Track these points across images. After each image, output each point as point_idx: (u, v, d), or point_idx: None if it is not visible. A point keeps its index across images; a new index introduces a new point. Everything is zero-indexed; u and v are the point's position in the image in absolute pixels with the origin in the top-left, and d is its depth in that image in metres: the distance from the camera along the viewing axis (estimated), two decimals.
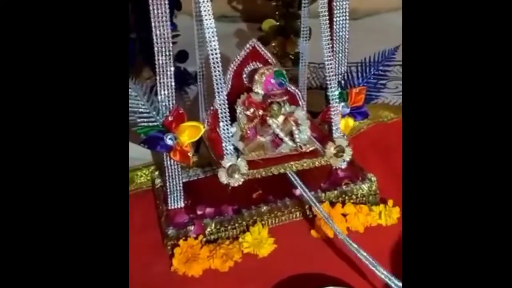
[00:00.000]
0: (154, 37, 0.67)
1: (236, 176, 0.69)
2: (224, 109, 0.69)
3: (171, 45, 0.68)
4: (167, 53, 0.68)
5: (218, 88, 0.68)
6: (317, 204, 0.75)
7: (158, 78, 0.69)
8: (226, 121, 0.69)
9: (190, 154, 0.72)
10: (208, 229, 0.75)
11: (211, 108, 0.78)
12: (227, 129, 0.69)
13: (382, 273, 0.64)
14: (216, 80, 0.67)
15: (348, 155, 0.76)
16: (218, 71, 0.67)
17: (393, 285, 0.63)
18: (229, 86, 0.77)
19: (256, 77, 0.75)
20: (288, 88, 0.78)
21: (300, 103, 0.81)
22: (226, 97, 0.68)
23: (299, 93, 0.81)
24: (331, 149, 0.75)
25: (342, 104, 0.80)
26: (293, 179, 0.77)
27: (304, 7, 0.83)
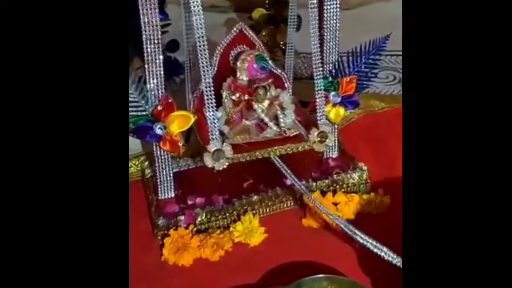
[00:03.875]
0: (142, 25, 0.66)
1: (221, 160, 0.70)
2: (210, 93, 0.69)
3: (159, 33, 0.67)
4: (156, 41, 0.67)
5: (204, 72, 0.68)
6: (308, 193, 0.74)
7: (147, 66, 0.68)
8: (212, 105, 0.69)
9: (180, 144, 0.71)
10: (199, 219, 0.75)
11: (197, 90, 0.78)
12: (213, 113, 0.70)
13: (386, 253, 0.62)
14: (202, 63, 0.68)
15: (331, 140, 0.77)
16: (205, 54, 0.68)
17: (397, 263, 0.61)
18: (215, 68, 0.78)
19: (239, 64, 0.75)
20: (274, 71, 0.79)
21: (286, 85, 0.82)
22: (212, 80, 0.69)
23: (284, 75, 0.82)
24: (314, 134, 0.76)
25: (333, 93, 0.80)
26: (283, 170, 0.77)
27: None
